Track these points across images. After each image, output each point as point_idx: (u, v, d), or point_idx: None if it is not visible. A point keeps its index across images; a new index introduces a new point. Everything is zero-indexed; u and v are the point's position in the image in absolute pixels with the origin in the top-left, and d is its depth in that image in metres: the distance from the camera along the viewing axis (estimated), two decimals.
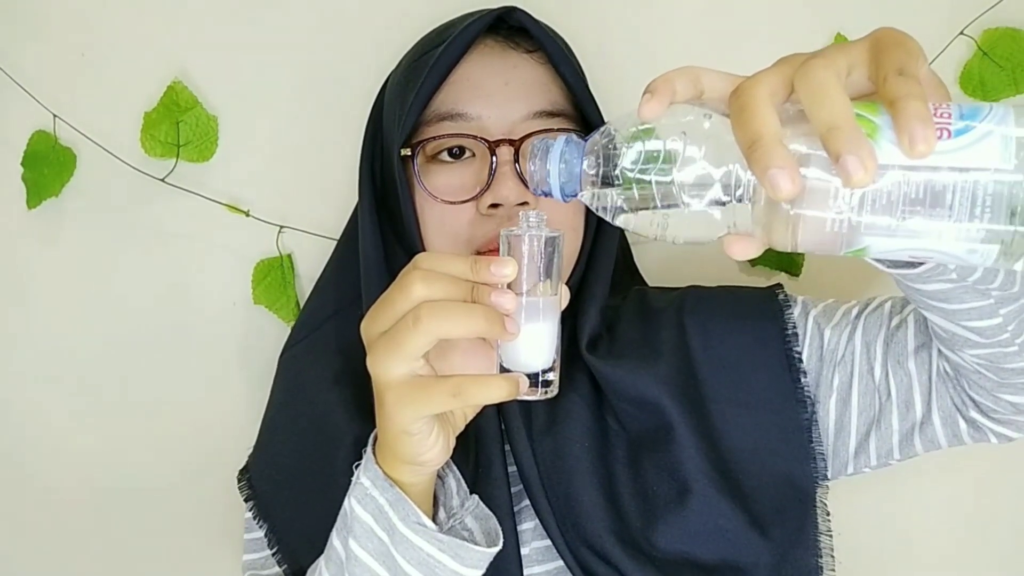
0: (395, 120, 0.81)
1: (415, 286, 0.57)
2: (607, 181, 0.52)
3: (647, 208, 0.51)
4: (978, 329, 0.64)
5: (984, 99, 0.99)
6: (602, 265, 0.84)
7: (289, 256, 1.08)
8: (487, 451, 0.76)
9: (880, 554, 1.09)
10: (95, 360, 1.12)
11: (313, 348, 0.90)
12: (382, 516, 0.63)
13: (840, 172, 0.42)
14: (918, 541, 1.10)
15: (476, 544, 0.64)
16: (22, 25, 1.08)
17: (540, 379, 0.60)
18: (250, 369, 1.10)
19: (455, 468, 0.70)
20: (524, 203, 0.75)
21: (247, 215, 1.07)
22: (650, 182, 0.50)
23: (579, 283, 0.83)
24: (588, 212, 0.82)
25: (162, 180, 1.06)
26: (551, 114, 0.79)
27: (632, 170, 0.51)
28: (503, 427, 0.78)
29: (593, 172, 0.53)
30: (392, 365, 0.57)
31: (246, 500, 0.86)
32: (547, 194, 0.57)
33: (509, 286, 0.58)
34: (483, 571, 0.65)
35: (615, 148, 0.52)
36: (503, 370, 0.60)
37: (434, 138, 0.78)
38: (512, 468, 0.77)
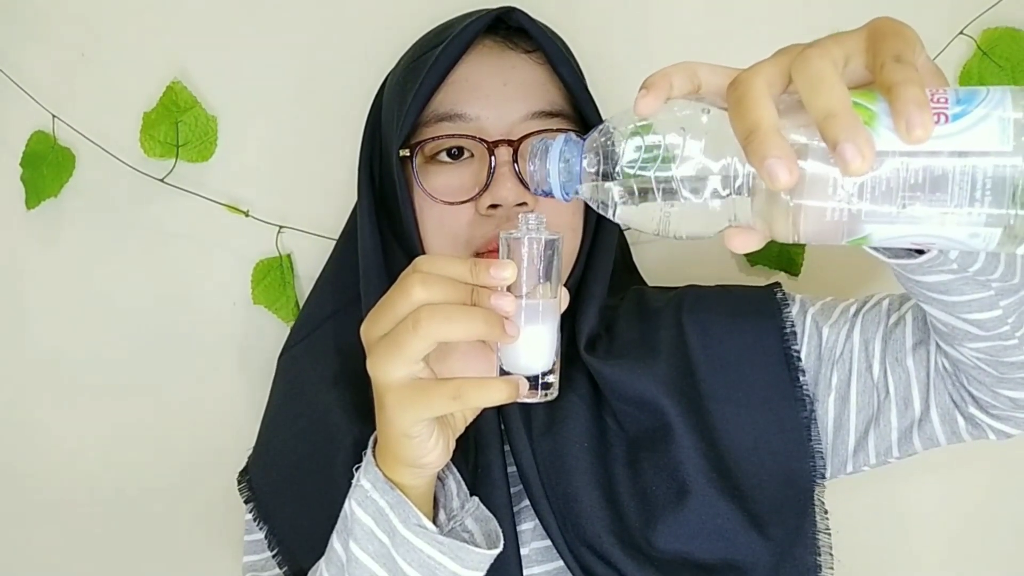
0: (394, 120, 0.81)
1: (415, 289, 0.57)
2: (607, 178, 0.52)
3: (648, 204, 0.51)
4: (978, 322, 0.64)
5: None
6: (601, 265, 0.84)
7: (288, 256, 1.08)
8: (487, 452, 0.76)
9: (879, 552, 1.09)
10: (94, 360, 1.12)
11: (312, 349, 0.90)
12: (382, 518, 0.63)
13: (838, 160, 0.42)
14: (916, 539, 1.10)
15: (476, 546, 0.65)
16: (21, 25, 1.08)
17: (540, 381, 0.60)
18: (249, 369, 1.10)
19: (455, 470, 0.70)
20: (523, 203, 0.75)
21: (246, 215, 1.07)
22: (650, 178, 0.50)
23: (578, 283, 0.83)
24: (587, 212, 0.82)
25: (161, 180, 1.06)
26: (550, 114, 0.79)
27: (632, 167, 0.51)
28: (503, 428, 0.78)
29: (593, 170, 0.53)
30: (392, 368, 0.57)
31: (246, 502, 0.86)
32: (548, 193, 0.57)
33: (509, 289, 0.58)
34: (483, 573, 0.65)
35: (614, 145, 0.52)
36: (503, 373, 0.60)
37: (433, 139, 0.78)
38: (512, 469, 0.77)
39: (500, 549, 0.66)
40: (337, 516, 0.67)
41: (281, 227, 1.07)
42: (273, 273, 1.08)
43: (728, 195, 0.49)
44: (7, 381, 1.14)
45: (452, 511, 0.68)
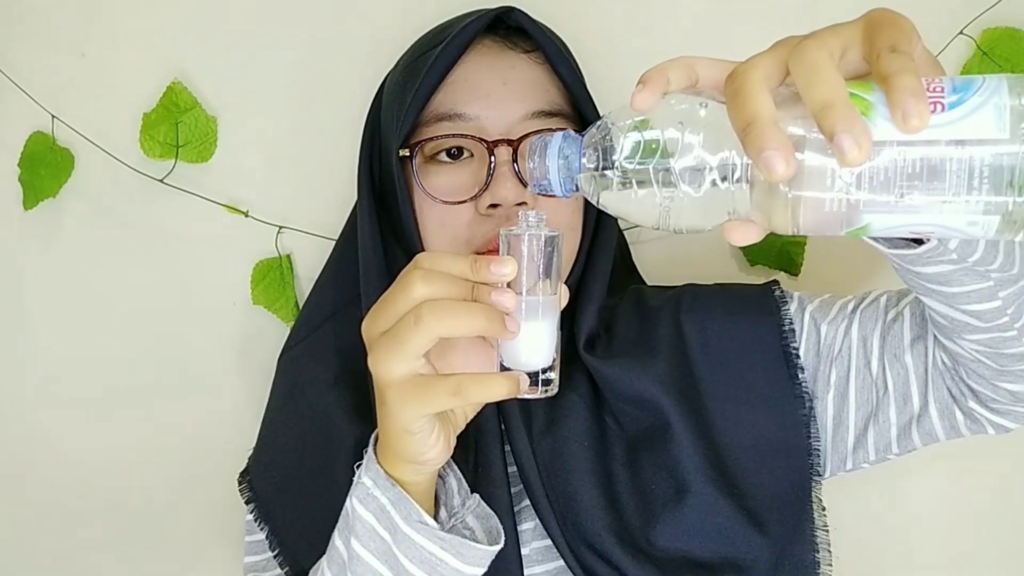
0: (393, 120, 0.81)
1: (416, 285, 0.57)
2: (606, 174, 0.52)
3: (647, 198, 0.51)
4: (977, 313, 0.64)
5: None
6: (601, 264, 0.84)
7: (288, 256, 1.08)
8: (487, 452, 0.76)
9: (876, 549, 1.09)
10: (93, 361, 1.12)
11: (312, 349, 0.89)
12: (384, 515, 0.64)
13: (835, 151, 0.42)
14: (914, 536, 1.10)
15: (477, 542, 0.65)
16: (20, 25, 1.08)
17: (540, 378, 0.60)
18: (249, 370, 1.10)
19: (456, 467, 0.70)
20: (523, 203, 0.75)
21: (246, 215, 1.07)
22: (649, 173, 0.50)
23: (578, 282, 0.83)
24: (587, 211, 0.82)
25: (161, 181, 1.06)
26: (549, 114, 0.79)
27: (631, 161, 0.51)
28: (503, 427, 0.78)
29: (592, 166, 0.53)
30: (393, 364, 0.58)
31: (247, 502, 0.86)
32: (547, 190, 0.57)
33: (509, 285, 0.58)
34: (484, 569, 0.66)
35: (613, 141, 0.52)
36: (503, 369, 0.61)
37: (433, 138, 0.78)
38: (512, 468, 0.77)
39: (501, 545, 0.66)
40: (338, 516, 0.67)
41: (281, 227, 1.07)
42: (273, 273, 1.08)
43: (727, 188, 0.49)
44: (6, 382, 1.14)
45: (453, 508, 0.68)
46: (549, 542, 0.76)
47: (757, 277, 1.07)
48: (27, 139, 1.08)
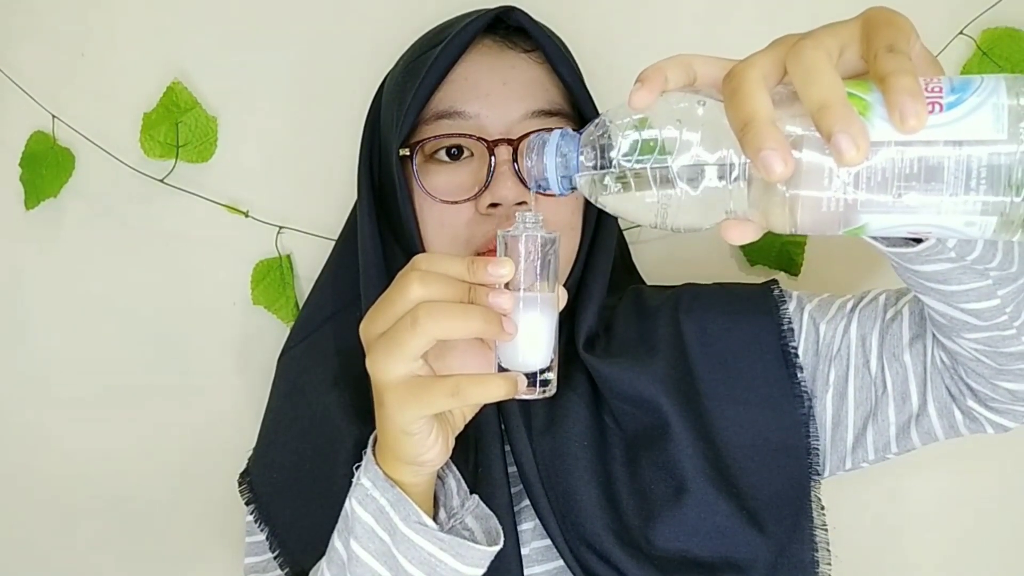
0: (393, 120, 0.81)
1: (413, 287, 0.57)
2: (604, 172, 0.52)
3: (645, 197, 0.51)
4: (976, 311, 0.64)
5: None
6: (600, 264, 0.84)
7: (288, 257, 1.08)
8: (487, 452, 0.76)
9: (875, 548, 1.09)
10: (93, 361, 1.12)
11: (312, 350, 0.89)
12: (383, 516, 0.64)
13: (833, 151, 0.42)
14: (912, 535, 1.10)
15: (477, 543, 0.65)
16: (21, 25, 1.08)
17: (538, 378, 0.60)
18: (249, 370, 1.10)
19: (455, 468, 0.70)
20: (523, 202, 0.75)
21: (246, 216, 1.07)
22: (647, 171, 0.50)
23: (577, 283, 0.83)
24: (586, 211, 0.82)
25: (161, 181, 1.06)
26: (549, 113, 0.79)
27: (628, 160, 0.51)
28: (503, 427, 0.78)
29: (590, 164, 0.53)
30: (391, 366, 0.58)
31: (247, 503, 0.86)
32: (545, 188, 0.57)
33: (506, 286, 0.58)
34: (484, 570, 0.66)
35: (611, 139, 0.52)
36: (501, 370, 0.61)
37: (433, 137, 0.78)
38: (512, 468, 0.77)
39: (500, 546, 0.66)
40: (338, 517, 0.67)
41: (281, 228, 1.07)
42: (273, 274, 1.08)
43: (724, 186, 0.49)
44: (6, 381, 1.14)
45: (452, 509, 0.68)
46: (549, 542, 0.76)
47: (757, 277, 1.07)
48: (28, 139, 1.08)
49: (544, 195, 0.60)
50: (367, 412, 0.77)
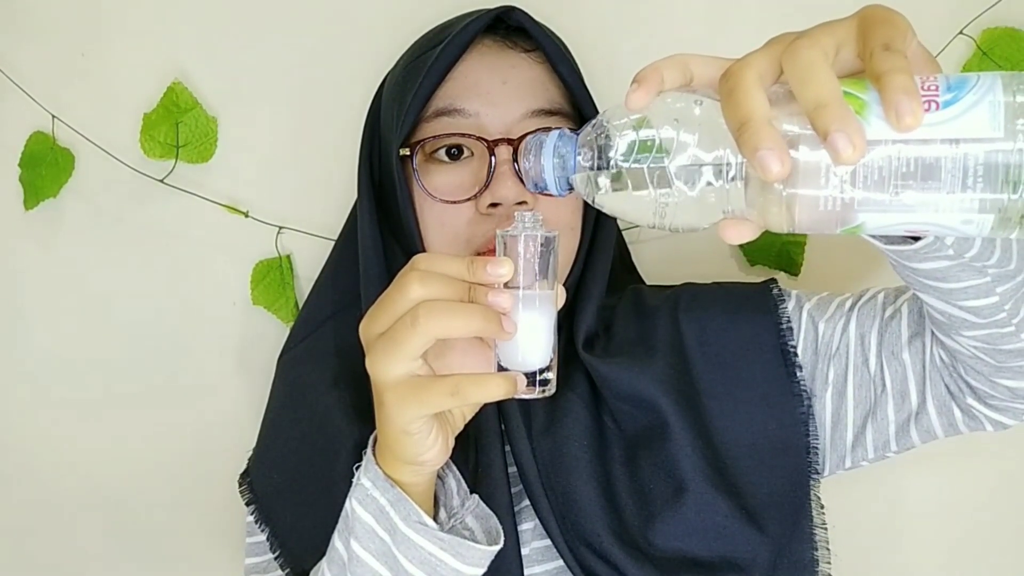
0: (393, 119, 0.81)
1: (413, 286, 0.57)
2: (602, 172, 0.52)
3: (643, 197, 0.51)
4: (975, 309, 0.64)
5: None
6: (599, 264, 0.84)
7: (288, 257, 1.08)
8: (487, 452, 0.76)
9: (875, 546, 1.09)
10: (93, 361, 1.12)
11: (312, 350, 0.90)
12: (383, 516, 0.64)
13: (829, 150, 0.42)
14: (912, 533, 1.10)
15: (477, 543, 0.65)
16: (21, 25, 1.08)
17: (537, 378, 0.60)
18: (249, 370, 1.10)
19: (455, 468, 0.70)
20: (523, 202, 0.75)
21: (246, 216, 1.07)
22: (644, 171, 0.50)
23: (577, 282, 0.83)
24: (586, 211, 0.82)
25: (161, 181, 1.06)
26: (549, 113, 0.79)
27: (626, 160, 0.51)
28: (503, 428, 0.78)
29: (588, 164, 0.53)
30: (391, 365, 0.58)
31: (247, 504, 0.86)
32: (543, 189, 0.57)
33: (506, 286, 0.58)
34: (484, 569, 0.66)
35: (608, 139, 0.52)
36: (501, 369, 0.61)
37: (432, 137, 0.78)
38: (512, 469, 0.77)
39: (500, 546, 0.66)
40: (338, 517, 0.67)
41: (281, 228, 1.07)
42: (273, 274, 1.08)
43: (722, 186, 0.49)
44: (6, 381, 1.14)
45: (452, 509, 0.68)
46: (548, 542, 0.76)
47: (757, 277, 1.07)
48: (27, 139, 1.08)
49: (543, 195, 0.60)
50: (367, 412, 0.77)
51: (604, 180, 0.52)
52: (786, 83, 0.45)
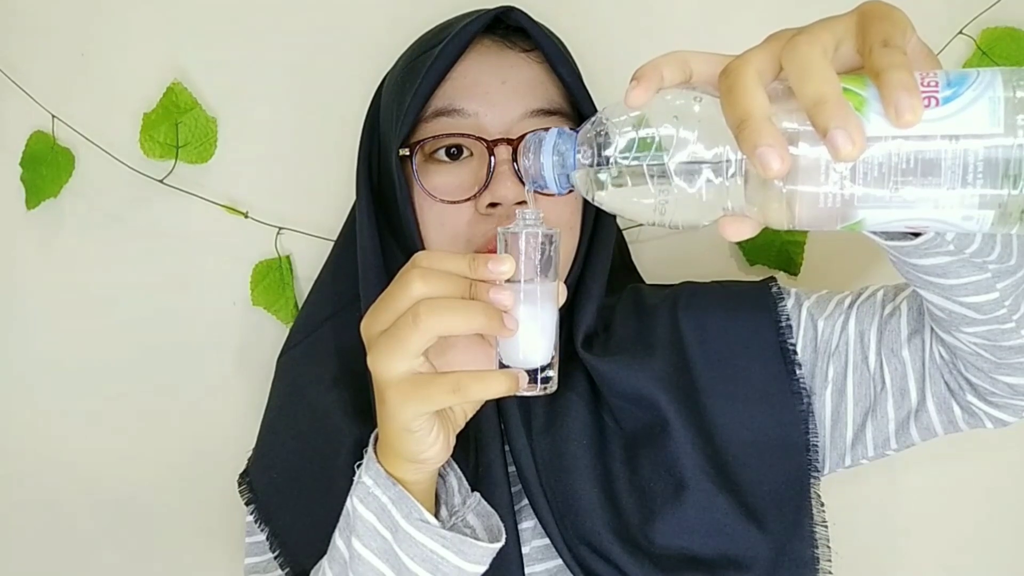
0: (393, 120, 0.81)
1: (414, 284, 0.57)
2: (601, 170, 0.52)
3: (642, 194, 0.51)
4: (975, 305, 0.64)
5: None
6: (599, 263, 0.84)
7: (288, 257, 1.08)
8: (487, 452, 0.77)
9: (875, 544, 1.10)
10: (93, 361, 1.12)
11: (311, 350, 0.89)
12: (385, 514, 0.64)
13: (829, 147, 0.42)
14: (912, 532, 1.10)
15: (478, 540, 0.65)
16: (21, 25, 1.08)
17: (539, 375, 0.61)
18: (249, 370, 1.10)
19: (456, 466, 0.70)
20: (522, 202, 0.75)
21: (246, 216, 1.07)
22: (644, 169, 0.50)
23: (576, 281, 0.83)
24: (585, 210, 0.82)
25: (161, 181, 1.06)
26: (548, 112, 0.79)
27: (626, 158, 0.51)
28: (503, 427, 0.78)
29: (587, 162, 0.53)
30: (393, 363, 0.58)
31: (247, 503, 0.86)
32: (543, 187, 0.57)
33: (507, 283, 0.58)
34: (486, 567, 0.66)
35: (607, 137, 0.52)
36: (502, 367, 0.61)
37: (432, 138, 0.78)
38: (512, 468, 0.77)
39: (502, 543, 0.66)
40: (339, 516, 0.68)
41: (280, 228, 1.08)
42: (272, 274, 1.08)
43: (721, 183, 0.49)
44: (5, 382, 1.14)
45: (454, 507, 0.68)
46: (548, 541, 0.76)
47: (756, 276, 1.07)
48: (28, 139, 1.08)
49: (543, 194, 0.60)
50: (367, 411, 0.77)
51: (604, 177, 0.53)
52: (785, 80, 0.46)
